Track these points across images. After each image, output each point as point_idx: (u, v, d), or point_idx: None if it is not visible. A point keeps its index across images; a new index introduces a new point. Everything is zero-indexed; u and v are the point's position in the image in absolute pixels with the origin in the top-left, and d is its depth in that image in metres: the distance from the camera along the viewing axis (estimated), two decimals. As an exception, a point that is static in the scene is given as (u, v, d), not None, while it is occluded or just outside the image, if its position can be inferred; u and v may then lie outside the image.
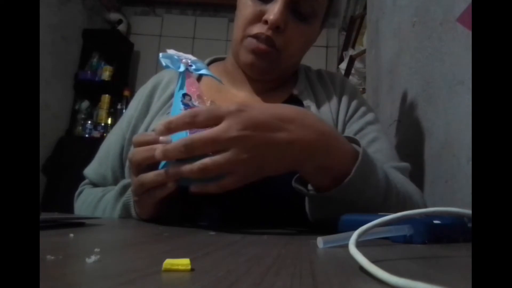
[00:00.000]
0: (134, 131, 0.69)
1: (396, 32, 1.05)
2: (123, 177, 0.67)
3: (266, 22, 0.62)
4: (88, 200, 0.65)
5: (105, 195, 0.63)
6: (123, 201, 0.55)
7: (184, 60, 0.55)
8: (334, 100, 0.71)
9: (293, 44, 0.66)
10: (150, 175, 0.45)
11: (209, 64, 0.78)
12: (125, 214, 0.55)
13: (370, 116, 0.70)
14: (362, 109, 0.71)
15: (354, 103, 0.71)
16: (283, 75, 0.72)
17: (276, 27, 0.62)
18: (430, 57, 0.82)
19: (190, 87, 0.52)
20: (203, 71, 0.55)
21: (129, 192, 0.55)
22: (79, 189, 0.71)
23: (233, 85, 0.72)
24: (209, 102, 0.52)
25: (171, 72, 0.74)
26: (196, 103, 0.50)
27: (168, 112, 0.66)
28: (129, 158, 0.47)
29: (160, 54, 0.54)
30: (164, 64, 0.52)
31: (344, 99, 0.71)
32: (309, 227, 0.51)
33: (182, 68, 0.53)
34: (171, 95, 0.69)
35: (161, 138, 0.44)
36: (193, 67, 0.55)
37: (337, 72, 0.84)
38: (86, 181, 0.72)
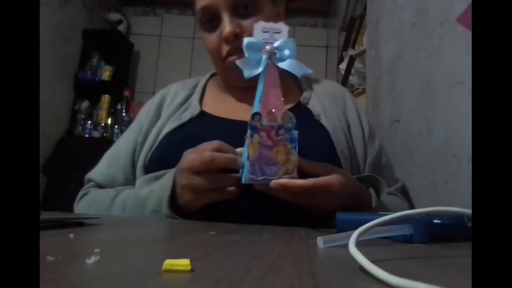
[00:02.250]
0: (145, 136, 0.73)
1: (396, 32, 1.05)
2: (133, 177, 0.70)
3: (225, 39, 0.67)
4: (99, 199, 0.67)
5: (123, 191, 0.65)
6: (159, 194, 0.57)
7: (268, 47, 0.52)
8: (341, 112, 0.75)
9: None
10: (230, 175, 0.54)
11: (210, 78, 0.83)
12: (157, 204, 0.57)
13: (378, 137, 0.77)
14: (373, 127, 0.77)
15: (365, 120, 0.76)
16: None
17: (234, 36, 0.66)
18: (430, 57, 0.81)
19: (266, 95, 0.51)
20: (285, 64, 0.52)
21: (164, 184, 0.58)
22: (82, 192, 0.73)
23: (234, 97, 0.76)
24: (280, 115, 0.50)
25: (176, 86, 0.81)
26: (265, 123, 0.50)
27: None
28: (207, 160, 0.52)
29: (245, 42, 0.52)
30: (245, 75, 0.52)
31: (352, 111, 0.76)
32: (309, 227, 0.51)
33: (259, 68, 0.52)
34: (180, 104, 0.75)
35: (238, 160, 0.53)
36: (277, 55, 0.52)
37: (340, 85, 0.88)
38: (90, 184, 0.73)
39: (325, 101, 0.75)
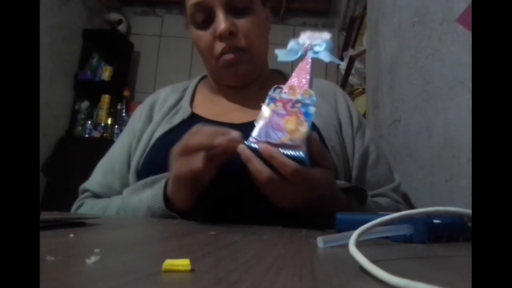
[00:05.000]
0: (139, 141, 0.72)
1: (396, 32, 1.05)
2: (132, 183, 0.69)
3: (220, 36, 0.67)
4: (95, 209, 0.67)
5: (115, 200, 0.65)
6: (154, 194, 0.56)
7: (306, 44, 0.54)
8: (332, 109, 0.74)
9: (251, 36, 0.69)
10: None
11: (200, 80, 0.83)
12: (155, 202, 0.56)
13: (368, 131, 0.75)
14: (363, 122, 0.76)
15: (355, 115, 0.75)
16: (261, 70, 0.76)
17: (229, 34, 0.66)
18: (430, 57, 0.82)
19: (295, 76, 0.52)
20: (318, 55, 0.54)
21: (159, 185, 0.56)
22: (77, 203, 0.71)
23: (225, 97, 0.76)
24: (300, 91, 0.50)
25: (167, 89, 0.81)
26: (284, 95, 0.49)
27: None
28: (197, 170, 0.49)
29: (290, 42, 0.54)
30: (279, 58, 0.54)
31: (343, 108, 0.75)
32: (309, 227, 0.51)
33: (294, 57, 0.54)
34: (171, 107, 0.75)
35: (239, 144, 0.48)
36: (314, 49, 0.54)
37: (330, 82, 0.88)
38: (85, 194, 0.72)
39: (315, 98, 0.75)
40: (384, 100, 1.14)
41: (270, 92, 0.50)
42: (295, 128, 0.48)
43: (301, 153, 0.47)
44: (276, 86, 0.50)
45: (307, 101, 0.49)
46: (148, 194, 0.57)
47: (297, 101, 0.49)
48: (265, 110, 0.49)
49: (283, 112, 0.49)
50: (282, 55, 0.54)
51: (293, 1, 3.10)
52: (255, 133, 0.48)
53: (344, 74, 1.92)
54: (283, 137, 0.47)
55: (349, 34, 2.06)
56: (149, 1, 3.34)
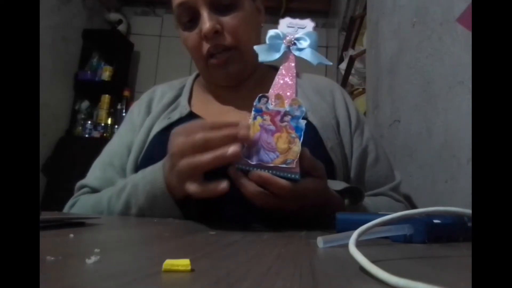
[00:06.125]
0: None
1: (396, 32, 1.05)
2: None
3: (205, 37, 0.66)
4: (89, 203, 0.65)
5: (107, 192, 0.63)
6: (151, 178, 0.54)
7: (288, 38, 0.51)
8: (330, 107, 0.72)
9: (239, 33, 0.67)
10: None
11: (195, 78, 0.81)
12: (151, 188, 0.54)
13: (367, 130, 0.74)
14: (361, 120, 0.74)
15: (353, 113, 0.74)
16: (255, 67, 0.74)
17: (214, 33, 0.65)
18: (430, 57, 0.82)
19: (280, 81, 0.49)
20: (302, 53, 0.50)
21: (156, 170, 0.54)
22: (72, 200, 0.70)
23: (218, 97, 0.75)
24: (288, 101, 0.48)
25: (163, 86, 0.80)
26: (271, 107, 0.47)
27: None
28: (199, 144, 0.45)
29: (268, 34, 0.51)
30: (260, 58, 0.50)
31: (341, 105, 0.73)
32: (309, 227, 0.51)
33: (276, 55, 0.50)
34: (168, 104, 0.74)
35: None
36: (297, 45, 0.51)
37: (328, 78, 0.85)
38: (82, 190, 0.70)
39: (312, 97, 0.72)
40: (384, 100, 1.14)
41: (255, 103, 0.48)
42: (287, 146, 0.46)
43: (297, 176, 0.46)
44: (261, 95, 0.48)
45: (297, 113, 0.47)
46: (146, 181, 0.55)
47: (285, 113, 0.47)
48: (253, 128, 0.47)
49: (272, 127, 0.47)
50: (262, 52, 0.51)
51: (293, 1, 3.10)
52: (245, 154, 0.46)
53: (344, 74, 1.92)
54: (276, 159, 0.46)
55: (349, 34, 2.06)
56: (149, 1, 3.34)
